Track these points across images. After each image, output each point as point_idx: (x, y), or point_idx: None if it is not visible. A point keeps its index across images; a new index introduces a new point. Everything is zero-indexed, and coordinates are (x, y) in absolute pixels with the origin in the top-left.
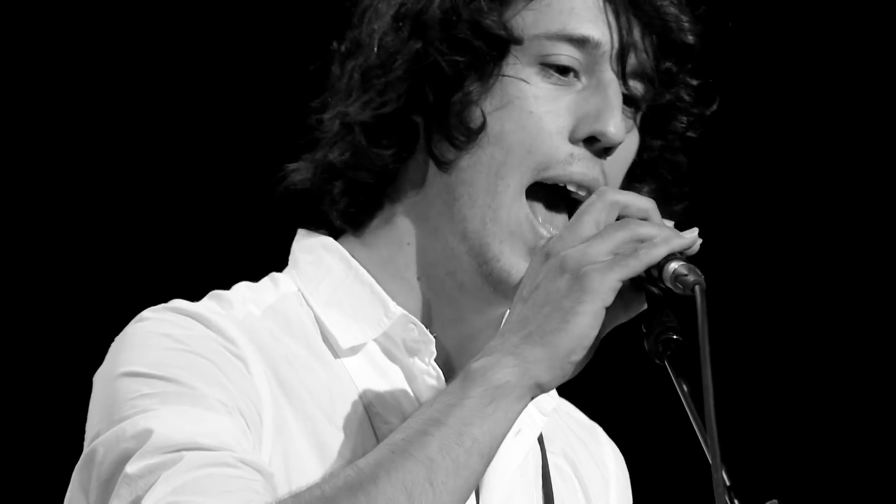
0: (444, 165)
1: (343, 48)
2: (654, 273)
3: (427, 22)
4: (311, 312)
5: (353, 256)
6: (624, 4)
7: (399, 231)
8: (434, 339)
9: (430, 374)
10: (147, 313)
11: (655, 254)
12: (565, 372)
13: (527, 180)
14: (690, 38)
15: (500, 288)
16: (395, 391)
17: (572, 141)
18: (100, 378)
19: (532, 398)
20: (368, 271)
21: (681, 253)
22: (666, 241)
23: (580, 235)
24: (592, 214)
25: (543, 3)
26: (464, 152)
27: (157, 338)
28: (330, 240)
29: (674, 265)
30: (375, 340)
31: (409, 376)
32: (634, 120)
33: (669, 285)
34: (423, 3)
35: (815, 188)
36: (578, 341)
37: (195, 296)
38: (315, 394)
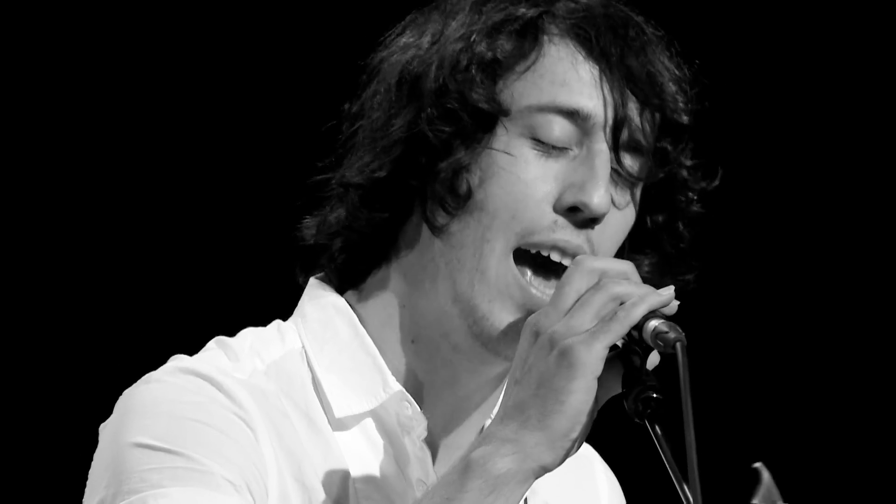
0: (436, 230)
1: (353, 109)
2: (633, 334)
3: (421, 90)
4: (312, 374)
5: (361, 318)
6: (620, 78)
7: (396, 293)
8: (426, 420)
9: (417, 454)
10: (158, 374)
11: (635, 314)
12: (566, 450)
13: (511, 244)
14: (685, 119)
15: (490, 346)
16: (384, 469)
17: (557, 209)
18: (108, 439)
19: (536, 479)
20: (371, 335)
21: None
22: (643, 299)
23: (563, 308)
24: (573, 285)
25: (536, 74)
26: (454, 217)
27: (167, 404)
28: (342, 301)
29: (653, 323)
30: (371, 413)
31: (401, 453)
32: (631, 193)
33: (650, 343)
34: (421, 71)
35: (807, 196)
36: (576, 418)
37: (199, 323)
38: (313, 465)
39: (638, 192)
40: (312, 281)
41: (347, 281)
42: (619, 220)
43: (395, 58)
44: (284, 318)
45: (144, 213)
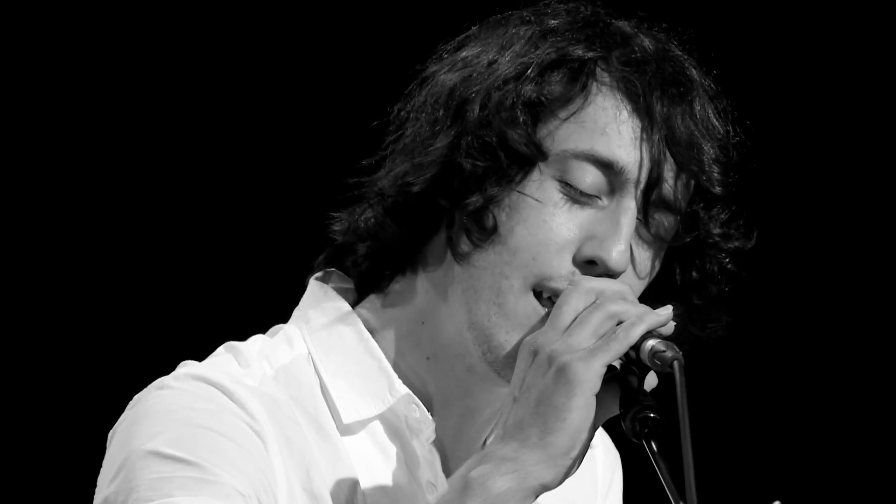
0: (458, 256)
1: (400, 114)
2: (631, 354)
3: (465, 116)
4: (319, 379)
5: (369, 323)
6: (660, 138)
7: (416, 308)
8: (433, 423)
9: (426, 457)
10: (169, 381)
11: (635, 333)
12: (567, 468)
13: (529, 283)
14: (719, 191)
15: (504, 374)
16: (394, 473)
17: (577, 259)
18: (119, 444)
19: (536, 497)
20: (380, 343)
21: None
22: (642, 318)
23: (561, 327)
24: (571, 304)
25: (578, 120)
26: (476, 248)
27: (180, 412)
28: (346, 306)
29: (651, 342)
30: (379, 417)
31: (410, 456)
32: (656, 251)
33: (647, 363)
34: (468, 96)
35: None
36: (576, 436)
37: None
38: (321, 472)
39: (663, 251)
40: (313, 283)
41: (370, 283)
42: (640, 277)
43: (447, 75)
44: (285, 319)
45: (149, 214)
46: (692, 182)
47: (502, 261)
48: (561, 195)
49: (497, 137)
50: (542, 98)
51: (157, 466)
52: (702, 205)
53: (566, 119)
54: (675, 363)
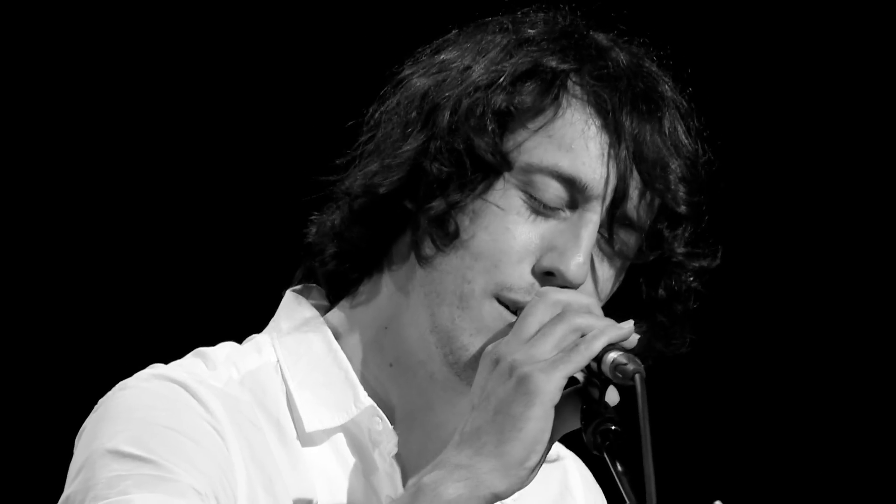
0: (421, 259)
1: (373, 116)
2: (592, 366)
3: (436, 121)
4: (285, 387)
5: (336, 330)
6: (627, 155)
7: (380, 312)
8: (396, 436)
9: (386, 470)
10: (132, 381)
11: (596, 346)
12: (521, 478)
13: (490, 289)
14: (684, 210)
15: (464, 375)
16: (352, 485)
17: (536, 271)
18: (82, 445)
19: None
20: (346, 350)
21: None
22: (604, 331)
23: (524, 337)
24: (536, 316)
25: (545, 133)
26: (440, 252)
27: (141, 410)
28: (316, 315)
29: (613, 355)
30: (341, 428)
31: (370, 469)
32: (619, 266)
33: (609, 375)
34: (440, 101)
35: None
36: (532, 446)
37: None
38: (281, 478)
39: (625, 268)
40: (288, 294)
41: (338, 287)
42: (600, 288)
43: (421, 78)
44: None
45: (133, 219)
46: (657, 200)
47: (464, 265)
48: (524, 205)
49: (464, 144)
50: (512, 108)
51: (115, 465)
52: (666, 224)
53: (534, 131)
54: (637, 376)
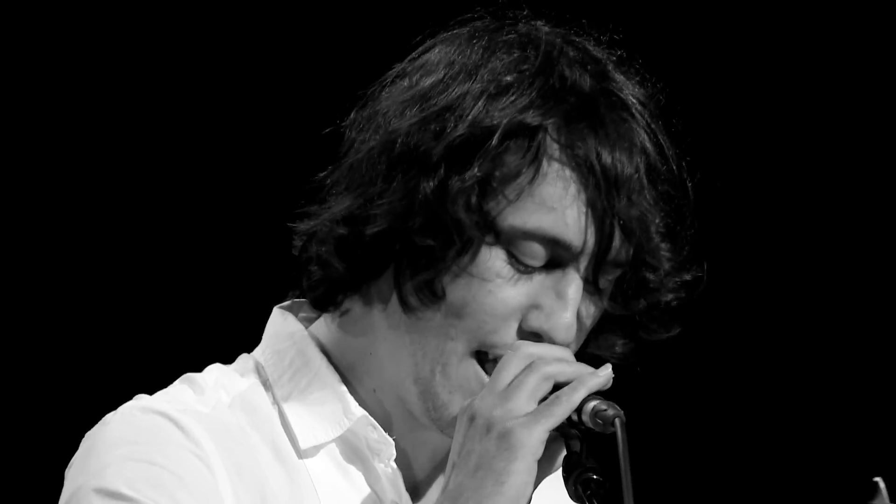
0: (406, 308)
1: (356, 123)
2: (572, 416)
3: (416, 184)
4: (276, 405)
5: (323, 345)
6: (610, 213)
7: (365, 337)
8: (393, 442)
9: (388, 476)
10: (116, 415)
11: (576, 397)
12: None
13: (473, 346)
14: (667, 266)
15: (447, 431)
16: (356, 494)
17: (522, 329)
18: (69, 480)
19: None
20: (334, 364)
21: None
22: (583, 382)
23: (498, 391)
24: (510, 370)
25: (526, 195)
26: (425, 307)
27: (122, 446)
28: (303, 332)
29: (592, 403)
30: (337, 440)
31: (372, 477)
32: (602, 297)
33: (590, 424)
34: (416, 153)
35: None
36: (515, 500)
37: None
38: (277, 498)
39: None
40: (275, 310)
41: (324, 301)
42: (583, 330)
43: (396, 116)
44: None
45: (133, 226)
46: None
47: (448, 323)
48: (508, 266)
49: (450, 219)
50: (494, 175)
51: (98, 503)
52: (651, 271)
53: (515, 193)
54: (617, 421)
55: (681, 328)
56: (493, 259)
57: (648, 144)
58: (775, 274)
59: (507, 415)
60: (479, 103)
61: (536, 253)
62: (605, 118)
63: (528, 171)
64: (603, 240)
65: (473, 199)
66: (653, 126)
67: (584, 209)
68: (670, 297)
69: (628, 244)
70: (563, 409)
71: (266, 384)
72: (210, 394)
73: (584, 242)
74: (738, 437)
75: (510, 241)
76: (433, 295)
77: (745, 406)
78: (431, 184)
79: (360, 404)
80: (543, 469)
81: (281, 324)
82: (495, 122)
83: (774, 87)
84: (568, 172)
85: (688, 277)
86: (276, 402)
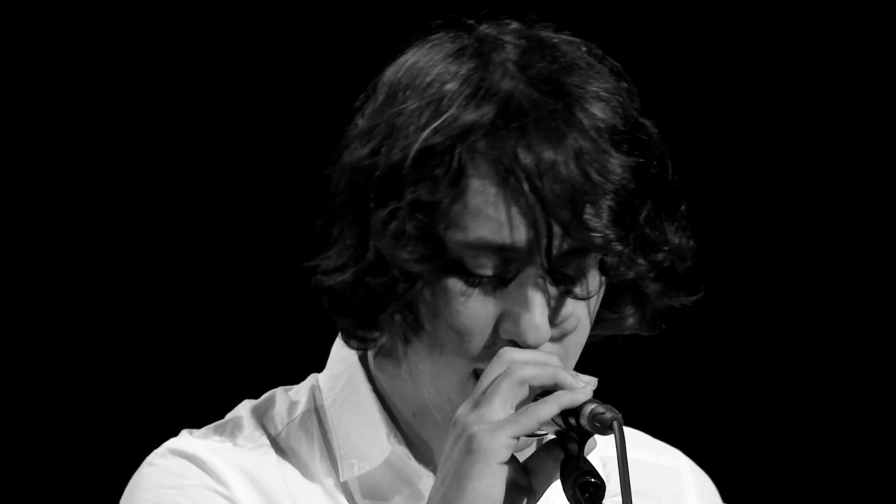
0: (404, 341)
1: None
2: (571, 420)
3: (363, 226)
4: (325, 434)
5: (372, 374)
6: (539, 204)
7: (398, 366)
8: (429, 474)
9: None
10: (151, 457)
11: (544, 411)
12: None
13: (469, 368)
14: (618, 248)
15: None
16: None
17: (501, 337)
18: None
19: None
20: (379, 393)
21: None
22: (556, 398)
23: (476, 397)
24: (489, 376)
25: (460, 208)
26: (417, 339)
27: (151, 490)
28: (354, 358)
29: (590, 407)
30: (380, 466)
31: (417, 495)
32: (583, 288)
33: (588, 427)
34: (362, 195)
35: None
36: None
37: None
38: None
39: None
40: (339, 336)
41: (352, 339)
42: (576, 321)
43: (346, 143)
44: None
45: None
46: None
47: (435, 351)
48: (465, 284)
49: (391, 257)
50: (422, 202)
51: None
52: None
53: (449, 213)
54: (615, 423)
55: (689, 292)
56: (451, 280)
57: (588, 130)
58: (775, 274)
59: (477, 420)
60: (409, 129)
61: (487, 263)
62: (528, 116)
63: (453, 188)
64: (541, 232)
65: (409, 230)
66: (604, 128)
67: (514, 208)
68: (657, 262)
69: (579, 228)
70: (530, 419)
71: (320, 409)
72: (247, 430)
73: (527, 240)
74: (738, 437)
75: (460, 259)
76: (412, 328)
77: (746, 406)
78: (369, 225)
79: (403, 429)
80: (549, 474)
81: (340, 347)
82: (413, 148)
83: (772, 82)
84: (493, 177)
85: (659, 258)
86: (325, 429)
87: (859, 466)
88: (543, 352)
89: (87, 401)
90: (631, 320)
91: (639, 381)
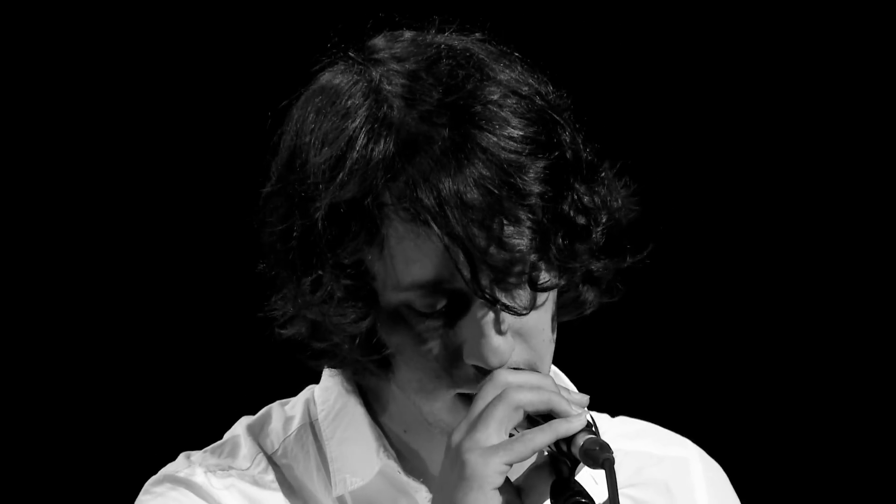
0: (384, 374)
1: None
2: (562, 446)
3: (303, 284)
4: (319, 449)
5: (362, 388)
6: (461, 232)
7: (386, 384)
8: (423, 487)
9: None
10: (148, 485)
11: (539, 440)
12: None
13: (451, 395)
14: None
15: None
16: None
17: (469, 363)
18: None
19: None
20: (370, 409)
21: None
22: (552, 426)
23: (471, 421)
24: (484, 399)
25: (386, 257)
26: (391, 372)
27: None
28: (348, 376)
29: (584, 439)
30: (374, 479)
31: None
32: (544, 300)
33: (579, 458)
34: (295, 255)
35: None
36: None
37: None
38: None
39: (552, 295)
40: None
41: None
42: (537, 325)
43: (285, 181)
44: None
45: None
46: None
47: (414, 384)
48: (418, 325)
49: (331, 329)
50: (352, 261)
51: None
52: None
53: (378, 263)
54: (606, 463)
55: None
56: (403, 325)
57: (488, 148)
58: (779, 268)
59: (471, 445)
60: (313, 192)
61: (431, 301)
62: (422, 153)
63: (372, 241)
64: (462, 264)
65: (339, 294)
66: (515, 133)
67: (431, 246)
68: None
69: (499, 249)
70: (524, 447)
71: (315, 423)
72: (245, 449)
73: (462, 270)
74: (737, 437)
75: (404, 301)
76: (381, 368)
77: (744, 406)
78: (298, 291)
79: (394, 443)
80: (541, 494)
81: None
82: (321, 211)
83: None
84: (404, 222)
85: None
86: (320, 444)
87: (863, 461)
88: (537, 374)
89: (87, 411)
90: (590, 296)
91: (649, 371)
